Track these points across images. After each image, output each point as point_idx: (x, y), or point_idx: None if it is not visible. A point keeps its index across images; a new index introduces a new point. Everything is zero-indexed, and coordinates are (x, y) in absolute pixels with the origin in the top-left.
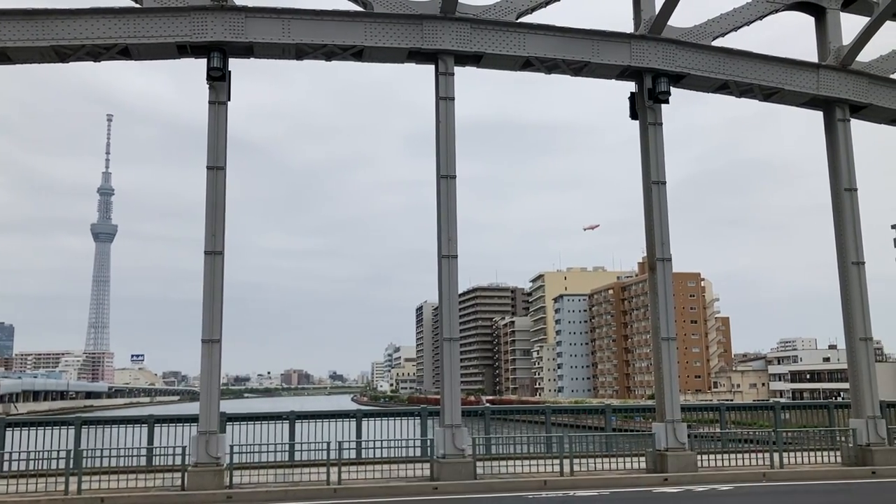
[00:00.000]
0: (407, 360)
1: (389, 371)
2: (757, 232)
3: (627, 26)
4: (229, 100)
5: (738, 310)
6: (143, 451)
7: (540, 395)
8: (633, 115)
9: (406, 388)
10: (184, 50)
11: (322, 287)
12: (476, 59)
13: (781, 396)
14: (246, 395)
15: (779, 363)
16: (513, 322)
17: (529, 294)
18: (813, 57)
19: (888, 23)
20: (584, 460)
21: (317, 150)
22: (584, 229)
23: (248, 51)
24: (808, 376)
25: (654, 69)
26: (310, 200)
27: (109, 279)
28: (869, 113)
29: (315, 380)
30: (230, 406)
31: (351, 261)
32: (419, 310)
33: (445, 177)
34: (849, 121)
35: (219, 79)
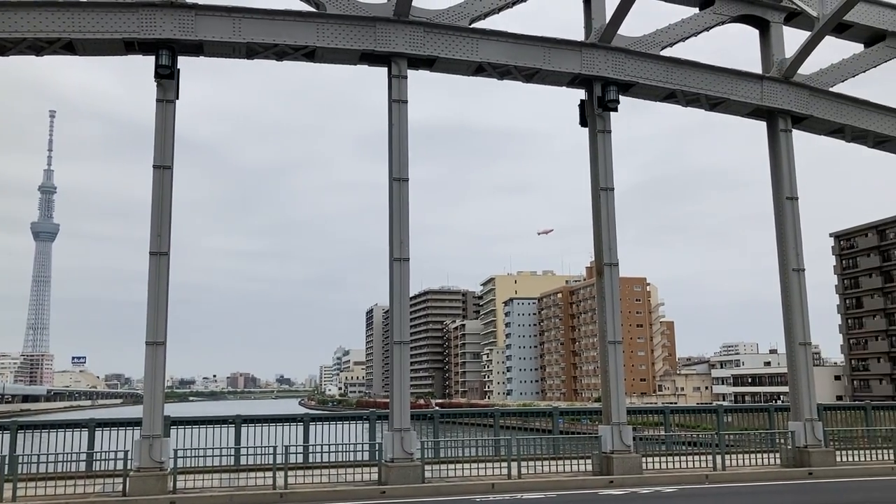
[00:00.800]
0: (356, 363)
1: (338, 375)
2: (702, 238)
3: (578, 34)
4: (178, 98)
5: (682, 314)
6: (83, 456)
7: (489, 398)
8: (583, 122)
9: (355, 392)
10: (131, 46)
11: (270, 289)
12: (429, 63)
13: (724, 399)
14: (191, 398)
15: (721, 367)
16: (463, 325)
17: (480, 298)
18: (757, 68)
19: (828, 38)
20: (531, 463)
21: (267, 150)
22: (539, 233)
23: (197, 49)
24: (749, 380)
25: (603, 77)
26: (259, 201)
27: (50, 279)
28: (809, 124)
29: (262, 383)
30: (174, 410)
31: (300, 263)
32: (369, 313)
33: (398, 179)
34: (790, 131)
35: (167, 77)
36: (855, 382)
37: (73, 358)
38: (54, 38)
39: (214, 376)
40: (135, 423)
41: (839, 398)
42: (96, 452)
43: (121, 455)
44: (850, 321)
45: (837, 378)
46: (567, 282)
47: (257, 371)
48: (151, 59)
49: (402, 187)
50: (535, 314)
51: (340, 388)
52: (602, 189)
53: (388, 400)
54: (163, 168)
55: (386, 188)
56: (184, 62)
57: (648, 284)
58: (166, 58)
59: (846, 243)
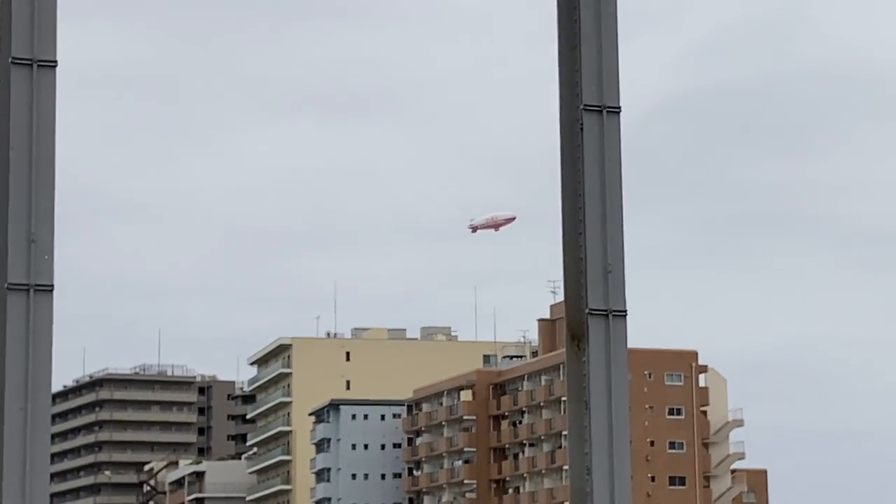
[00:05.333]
0: None
1: None
2: (843, 248)
3: None
4: None
5: (791, 450)
6: None
7: None
8: None
9: None
10: None
11: None
12: None
13: None
14: None
15: None
16: (198, 475)
17: (248, 399)
18: None
19: None
20: None
21: None
22: (473, 228)
23: None
24: None
25: None
26: None
27: None
28: None
29: None
30: None
31: None
32: None
33: (26, 63)
34: None
35: None
36: None
37: None
38: None
39: None
40: None
41: None
42: None
43: None
44: None
45: None
46: (487, 358)
47: None
48: None
49: (41, 83)
50: (398, 446)
51: None
52: (588, 108)
53: None
54: None
55: None
56: None
57: (704, 369)
58: None
59: None
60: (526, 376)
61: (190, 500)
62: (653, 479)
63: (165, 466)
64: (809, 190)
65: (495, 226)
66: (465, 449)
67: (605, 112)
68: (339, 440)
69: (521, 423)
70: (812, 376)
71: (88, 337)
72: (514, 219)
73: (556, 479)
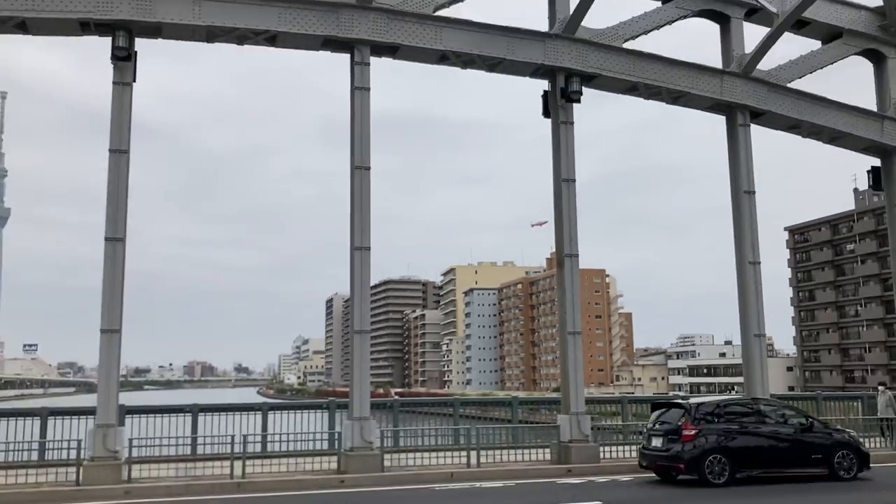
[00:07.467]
0: (315, 352)
1: (297, 364)
2: (660, 231)
3: (542, 24)
4: (135, 81)
5: (640, 306)
6: (36, 446)
7: (448, 387)
8: (546, 113)
9: (314, 381)
10: (87, 27)
11: (228, 278)
12: (392, 51)
13: (680, 390)
14: (146, 387)
15: (678, 358)
16: (423, 315)
17: (440, 288)
18: (718, 63)
19: (786, 34)
20: (490, 452)
21: (227, 135)
22: (532, 225)
23: (156, 31)
24: (705, 370)
25: (567, 68)
26: (218, 188)
27: (1, 265)
28: (767, 119)
29: (219, 372)
30: (129, 398)
31: (258, 252)
32: (329, 302)
33: (359, 168)
34: (749, 126)
35: (124, 59)
36: (807, 373)
37: (25, 345)
38: (6, 17)
39: (170, 365)
40: (89, 411)
41: (791, 388)
42: (49, 441)
43: (74, 444)
44: (802, 314)
45: (790, 369)
46: (527, 273)
47: (215, 360)
48: (108, 40)
49: (364, 176)
50: (495, 304)
51: (299, 377)
52: (564, 180)
53: (347, 389)
54: (119, 152)
55: (348, 176)
56: (141, 44)
57: (607, 276)
58: (123, 39)
59: (800, 237)
60: (542, 280)
61: (420, 323)
62: (589, 318)
63: (412, 312)
64: (656, 208)
65: (540, 224)
66: (520, 308)
67: (570, 182)
68: (472, 302)
69: (541, 301)
70: (650, 278)
71: (386, 266)
72: (546, 222)
73: (555, 326)
